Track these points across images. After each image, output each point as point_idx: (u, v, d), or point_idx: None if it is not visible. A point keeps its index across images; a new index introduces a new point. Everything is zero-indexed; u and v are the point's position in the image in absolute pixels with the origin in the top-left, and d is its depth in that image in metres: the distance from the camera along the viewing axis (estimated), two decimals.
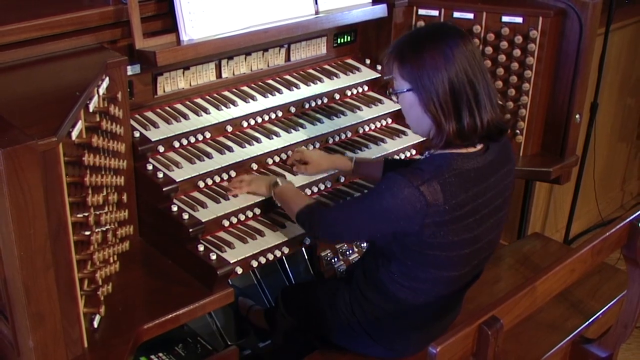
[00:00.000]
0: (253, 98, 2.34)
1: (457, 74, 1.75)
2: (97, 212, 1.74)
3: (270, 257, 2.04)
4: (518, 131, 2.66)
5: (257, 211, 2.12)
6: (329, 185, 2.29)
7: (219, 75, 2.33)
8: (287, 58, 2.51)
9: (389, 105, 2.57)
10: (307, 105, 2.45)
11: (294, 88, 2.43)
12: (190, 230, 1.92)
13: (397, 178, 1.77)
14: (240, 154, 2.18)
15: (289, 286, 2.37)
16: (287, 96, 2.39)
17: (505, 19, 2.53)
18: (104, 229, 1.80)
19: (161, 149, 2.11)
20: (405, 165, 2.10)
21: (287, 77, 2.49)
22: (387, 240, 1.85)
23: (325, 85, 2.50)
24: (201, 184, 2.11)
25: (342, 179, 2.34)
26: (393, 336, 2.00)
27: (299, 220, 1.99)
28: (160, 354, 2.07)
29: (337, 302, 2.05)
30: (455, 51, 1.75)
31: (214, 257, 1.90)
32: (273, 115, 2.35)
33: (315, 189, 2.26)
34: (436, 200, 1.75)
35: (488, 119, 1.79)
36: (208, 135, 2.20)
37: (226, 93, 2.34)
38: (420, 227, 1.77)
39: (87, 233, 1.69)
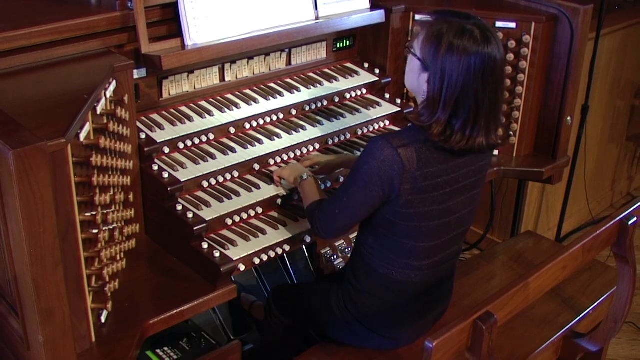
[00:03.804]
0: (255, 101, 2.36)
1: (471, 84, 1.75)
2: (105, 211, 1.75)
3: (272, 254, 2.06)
4: (511, 133, 2.68)
5: (259, 210, 2.14)
6: (328, 185, 2.30)
7: (222, 78, 2.36)
8: (288, 62, 2.54)
9: (386, 108, 2.60)
10: (307, 108, 2.47)
11: (295, 91, 2.46)
12: (195, 228, 1.94)
13: (378, 140, 1.81)
14: (243, 155, 2.20)
15: (277, 288, 2.35)
16: (288, 99, 2.42)
17: (499, 24, 2.55)
18: (111, 227, 1.82)
19: (166, 150, 2.13)
20: None
21: (288, 80, 2.52)
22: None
23: (325, 89, 2.52)
24: (205, 184, 2.13)
25: (341, 179, 2.35)
26: (385, 321, 2.03)
27: (307, 216, 2.04)
28: (166, 348, 2.09)
29: (330, 301, 2.09)
30: (482, 68, 1.74)
31: (217, 254, 1.92)
32: (275, 118, 2.38)
33: None
34: (410, 166, 1.78)
35: (478, 142, 1.81)
36: (212, 136, 2.23)
37: (229, 96, 2.37)
38: (398, 192, 1.80)
39: (95, 231, 1.71)
